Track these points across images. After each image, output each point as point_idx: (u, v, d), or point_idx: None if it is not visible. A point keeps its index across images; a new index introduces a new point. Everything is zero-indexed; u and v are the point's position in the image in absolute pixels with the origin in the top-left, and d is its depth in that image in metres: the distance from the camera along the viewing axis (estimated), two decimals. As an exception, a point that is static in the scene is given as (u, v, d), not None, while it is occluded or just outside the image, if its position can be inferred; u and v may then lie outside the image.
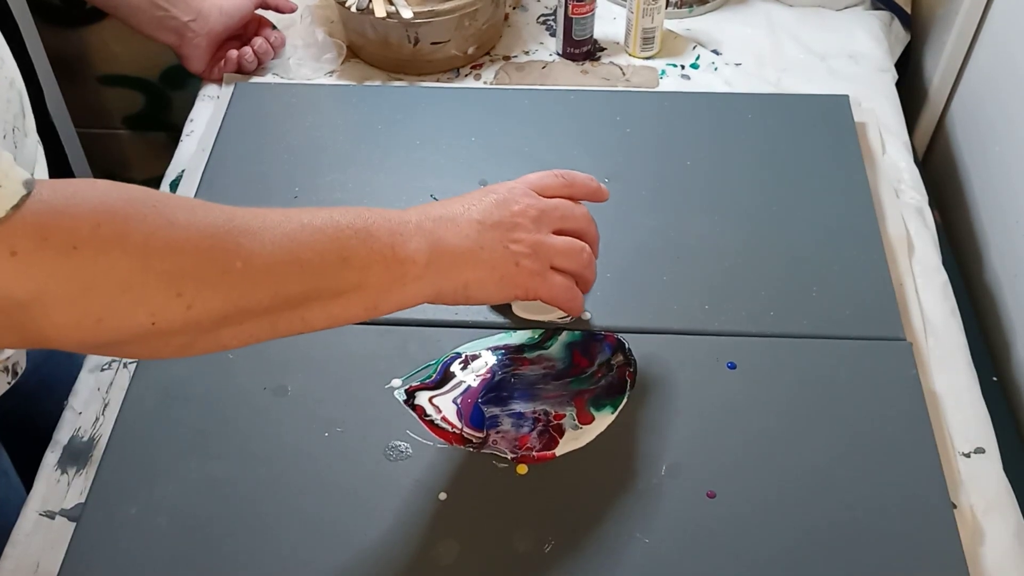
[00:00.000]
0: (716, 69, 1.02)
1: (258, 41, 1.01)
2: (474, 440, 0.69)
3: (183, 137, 0.97)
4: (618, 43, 1.05)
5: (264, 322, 0.52)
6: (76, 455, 0.71)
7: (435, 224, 0.58)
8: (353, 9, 0.97)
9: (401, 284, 0.56)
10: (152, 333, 0.48)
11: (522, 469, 0.67)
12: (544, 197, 0.64)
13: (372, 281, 0.55)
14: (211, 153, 0.91)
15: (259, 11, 1.02)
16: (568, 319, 0.76)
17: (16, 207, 0.43)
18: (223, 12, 0.97)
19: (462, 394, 0.71)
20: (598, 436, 0.69)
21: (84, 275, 0.44)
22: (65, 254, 0.44)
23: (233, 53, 0.99)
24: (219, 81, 1.00)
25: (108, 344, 0.48)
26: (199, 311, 0.48)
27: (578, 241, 0.65)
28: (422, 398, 0.71)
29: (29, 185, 0.44)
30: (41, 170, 0.75)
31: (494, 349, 0.74)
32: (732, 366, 0.72)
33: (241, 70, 1.00)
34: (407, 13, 0.96)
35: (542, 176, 0.65)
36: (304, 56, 1.03)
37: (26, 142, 0.70)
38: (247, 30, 1.02)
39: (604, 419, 0.70)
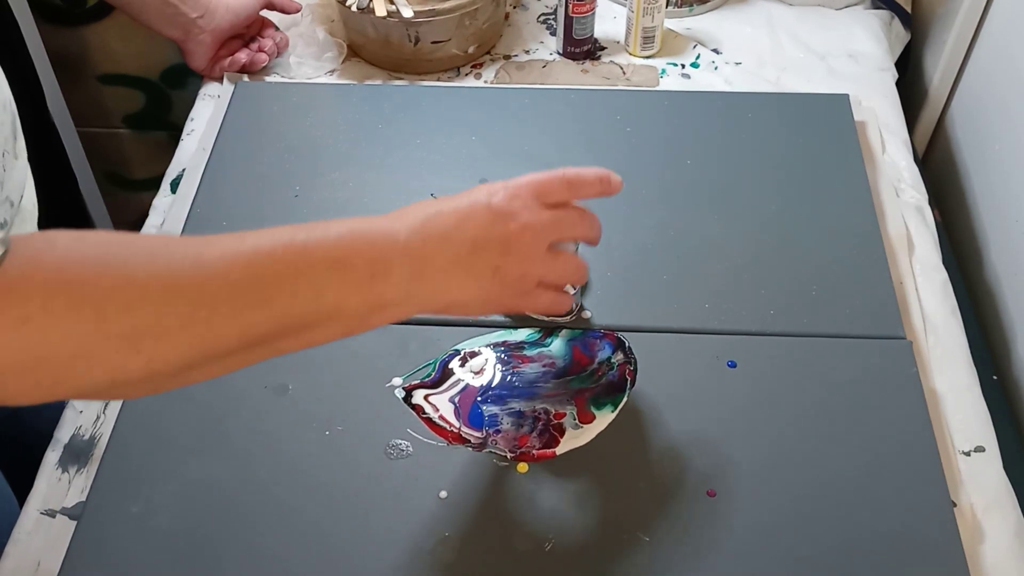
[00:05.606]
0: (716, 68, 1.02)
1: (268, 44, 1.01)
2: (473, 440, 0.69)
3: (183, 136, 0.97)
4: (618, 42, 1.05)
5: (234, 359, 0.51)
6: (77, 454, 0.71)
7: (424, 243, 0.55)
8: (354, 8, 0.97)
9: (379, 310, 0.54)
10: (112, 386, 0.47)
11: (522, 468, 0.67)
12: (547, 204, 0.61)
13: (348, 311, 0.53)
14: (212, 152, 0.91)
15: (262, 11, 1.02)
16: (569, 318, 0.76)
17: None
18: (230, 10, 0.97)
19: (460, 393, 0.71)
20: (598, 435, 0.69)
21: (36, 347, 0.43)
22: (15, 328, 0.43)
23: (241, 55, 0.99)
24: (220, 79, 1.00)
25: (68, 397, 0.48)
26: (161, 363, 0.47)
27: (574, 258, 0.62)
28: (418, 396, 0.71)
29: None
30: (30, 192, 0.74)
31: (494, 346, 0.74)
32: (732, 365, 0.73)
33: (247, 70, 1.00)
34: (407, 12, 0.96)
35: (547, 180, 0.60)
36: (305, 55, 1.03)
37: (16, 164, 0.69)
38: (250, 29, 1.02)
39: (605, 418, 0.70)
